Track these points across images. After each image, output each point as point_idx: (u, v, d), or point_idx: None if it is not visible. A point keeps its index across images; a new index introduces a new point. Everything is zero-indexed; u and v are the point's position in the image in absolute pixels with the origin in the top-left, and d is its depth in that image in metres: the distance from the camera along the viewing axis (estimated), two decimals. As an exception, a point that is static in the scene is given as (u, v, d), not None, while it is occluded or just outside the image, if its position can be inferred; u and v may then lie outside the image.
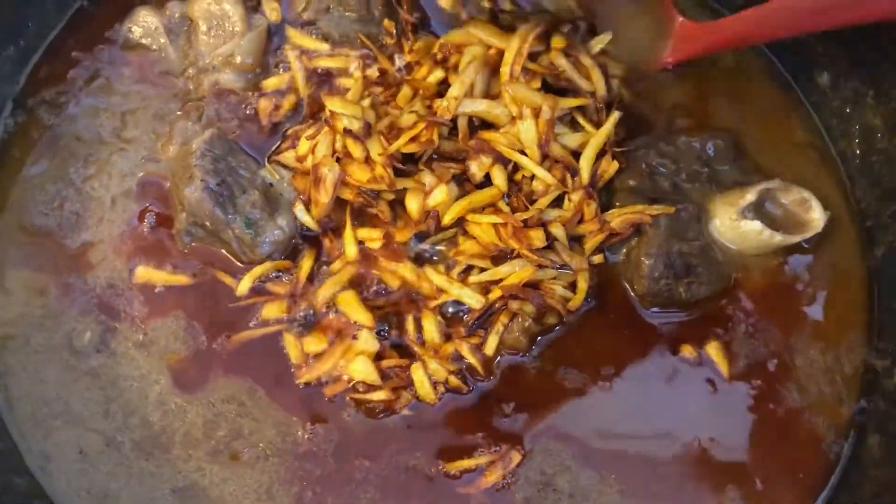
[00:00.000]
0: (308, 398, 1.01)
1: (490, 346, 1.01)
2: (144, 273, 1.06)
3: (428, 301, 1.02)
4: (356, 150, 1.01)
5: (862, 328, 1.10)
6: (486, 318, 1.03)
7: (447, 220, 1.01)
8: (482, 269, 1.02)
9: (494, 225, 1.01)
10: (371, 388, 1.00)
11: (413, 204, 1.02)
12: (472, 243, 1.01)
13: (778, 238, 1.07)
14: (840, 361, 1.08)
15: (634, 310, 1.07)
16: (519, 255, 1.01)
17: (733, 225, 1.08)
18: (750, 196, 1.07)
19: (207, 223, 1.03)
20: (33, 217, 1.10)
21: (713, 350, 1.06)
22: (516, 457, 1.00)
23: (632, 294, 1.07)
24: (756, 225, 1.06)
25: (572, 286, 1.04)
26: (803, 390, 1.06)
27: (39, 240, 1.09)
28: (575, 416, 1.03)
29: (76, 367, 1.03)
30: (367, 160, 1.02)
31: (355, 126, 1.01)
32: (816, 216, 1.08)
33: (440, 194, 1.01)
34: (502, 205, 1.02)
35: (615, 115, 1.07)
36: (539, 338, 1.05)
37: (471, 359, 1.01)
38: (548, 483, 1.00)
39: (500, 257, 1.02)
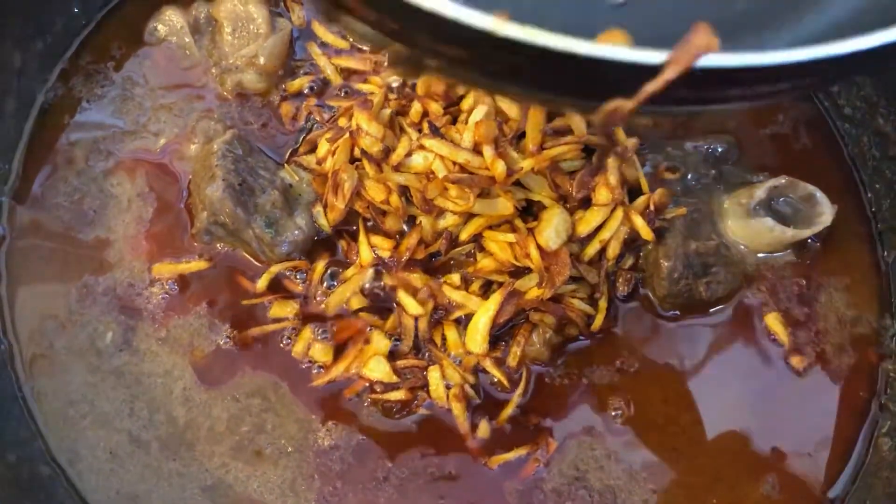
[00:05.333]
0: (329, 396, 1.03)
1: (513, 359, 1.02)
2: (162, 268, 1.07)
3: (447, 313, 1.03)
4: (371, 171, 1.02)
5: (874, 329, 1.12)
6: (507, 330, 1.04)
7: (464, 236, 1.02)
8: (500, 284, 1.02)
9: (510, 243, 1.00)
10: (388, 387, 1.01)
11: (425, 226, 1.03)
12: (490, 260, 1.01)
13: (790, 233, 1.08)
14: (855, 358, 1.10)
15: (655, 313, 1.09)
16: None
17: (744, 223, 1.10)
18: (759, 193, 1.09)
19: (228, 222, 1.04)
20: (55, 211, 1.11)
21: (772, 321, 1.09)
22: (552, 445, 1.01)
23: (652, 298, 1.09)
24: (768, 222, 1.08)
25: (592, 298, 1.05)
26: (824, 379, 1.09)
27: (59, 236, 1.10)
28: (605, 416, 1.04)
29: (100, 367, 1.04)
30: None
31: (375, 149, 1.01)
32: (824, 210, 1.10)
33: (451, 216, 1.01)
34: (518, 222, 1.01)
35: (633, 142, 1.06)
36: (562, 348, 1.06)
37: (495, 372, 1.02)
38: (579, 478, 1.02)
39: (518, 271, 1.02)
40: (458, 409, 1.01)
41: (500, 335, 1.04)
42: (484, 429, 1.01)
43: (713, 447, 1.04)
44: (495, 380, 1.03)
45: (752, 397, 1.07)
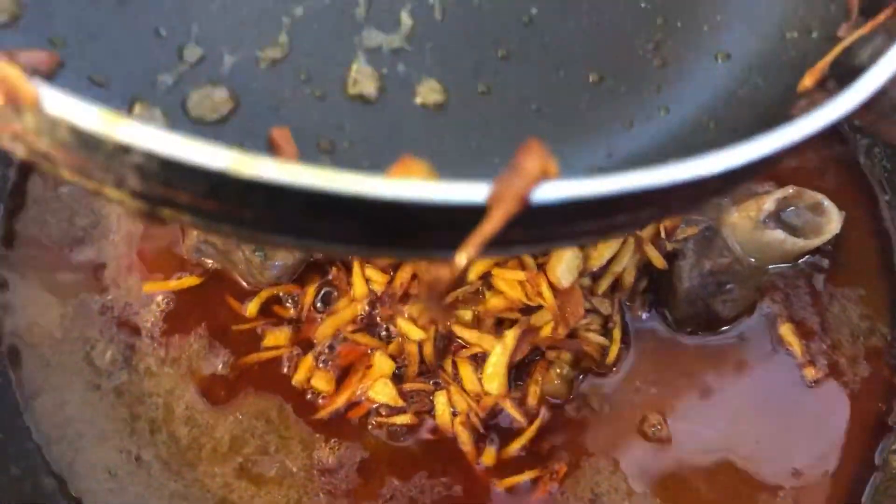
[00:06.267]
0: (333, 417, 1.01)
1: (532, 398, 1.00)
2: (153, 285, 1.06)
3: (452, 344, 1.01)
4: None
5: (887, 341, 1.11)
6: (523, 369, 1.02)
7: (473, 276, 0.98)
8: (512, 321, 0.99)
9: (521, 281, 0.97)
10: (394, 411, 1.00)
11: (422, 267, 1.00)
12: (500, 298, 0.98)
13: (800, 244, 1.06)
14: (869, 371, 1.09)
15: (670, 331, 1.07)
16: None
17: (754, 236, 1.07)
18: (768, 205, 1.06)
19: (218, 243, 1.02)
20: (49, 227, 1.09)
21: (786, 332, 1.08)
22: (563, 469, 1.00)
23: (668, 319, 1.07)
24: (778, 234, 1.05)
25: (605, 327, 1.03)
26: (837, 392, 1.07)
27: (54, 252, 1.08)
28: (621, 437, 1.03)
29: (100, 385, 1.03)
30: None
31: None
32: (832, 218, 1.07)
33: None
34: (528, 259, 0.98)
35: None
36: (579, 377, 1.04)
37: (515, 414, 0.99)
38: (594, 501, 1.00)
39: (529, 308, 0.99)
40: (464, 436, 0.99)
41: (515, 374, 1.02)
42: (490, 456, 0.99)
43: (729, 464, 1.03)
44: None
45: (769, 412, 1.05)
